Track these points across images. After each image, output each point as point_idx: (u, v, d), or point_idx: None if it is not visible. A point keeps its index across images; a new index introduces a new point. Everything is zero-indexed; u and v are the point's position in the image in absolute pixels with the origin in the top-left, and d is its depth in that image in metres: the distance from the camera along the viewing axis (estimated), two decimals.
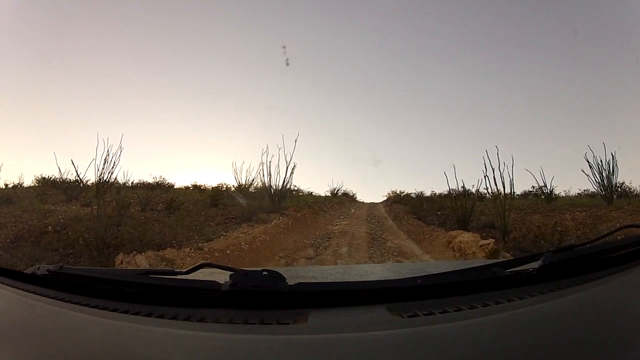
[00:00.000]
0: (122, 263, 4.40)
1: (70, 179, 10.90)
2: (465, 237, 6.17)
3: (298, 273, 1.35)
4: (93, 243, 5.14)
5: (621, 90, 18.44)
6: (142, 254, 4.71)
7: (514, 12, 21.27)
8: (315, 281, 1.18)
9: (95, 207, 8.51)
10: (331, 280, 1.27)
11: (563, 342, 0.59)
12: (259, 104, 26.72)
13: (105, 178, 10.25)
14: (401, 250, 6.85)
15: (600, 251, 0.91)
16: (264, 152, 11.42)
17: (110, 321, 0.74)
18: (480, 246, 5.44)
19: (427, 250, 6.89)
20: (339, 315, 0.76)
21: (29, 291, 0.93)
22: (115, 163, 10.23)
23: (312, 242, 7.61)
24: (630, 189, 11.98)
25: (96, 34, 20.63)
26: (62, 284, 0.94)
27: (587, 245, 0.95)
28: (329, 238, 8.01)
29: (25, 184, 12.81)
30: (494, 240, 5.83)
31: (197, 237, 6.48)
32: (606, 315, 0.68)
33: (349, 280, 1.30)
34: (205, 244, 5.83)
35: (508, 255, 5.37)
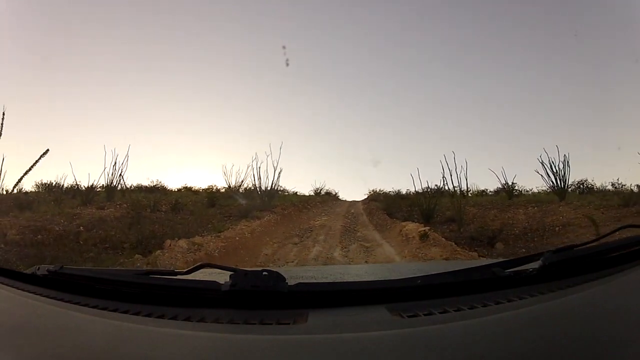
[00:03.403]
0: (170, 245, 5.94)
1: (79, 185, 12.09)
2: (410, 226, 8.23)
3: (298, 273, 1.35)
4: (132, 237, 6.44)
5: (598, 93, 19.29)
6: (180, 240, 6.28)
7: (491, 20, 21.70)
8: (315, 281, 1.19)
9: (111, 209, 9.93)
10: (331, 281, 1.28)
11: (563, 342, 0.59)
12: (246, 104, 26.58)
13: (114, 184, 11.77)
14: (366, 237, 8.50)
15: (600, 251, 0.91)
16: (253, 158, 13.07)
17: (111, 321, 0.74)
18: (419, 231, 7.22)
19: (384, 237, 8.57)
20: (339, 316, 0.76)
21: (29, 291, 0.94)
22: (123, 171, 11.77)
23: (297, 233, 9.14)
24: (592, 186, 13.14)
25: (84, 33, 20.69)
26: (62, 284, 0.95)
27: (587, 246, 0.95)
28: (311, 230, 9.53)
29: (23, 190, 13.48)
30: (428, 227, 7.61)
31: (209, 230, 7.79)
32: (606, 315, 0.68)
33: (349, 280, 1.32)
34: (220, 234, 7.32)
35: (437, 235, 7.08)
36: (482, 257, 6.09)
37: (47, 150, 6.69)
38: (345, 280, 1.30)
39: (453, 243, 6.69)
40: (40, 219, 8.06)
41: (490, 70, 22.75)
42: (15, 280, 1.02)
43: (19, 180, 9.16)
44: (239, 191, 12.95)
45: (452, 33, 23.44)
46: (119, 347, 0.65)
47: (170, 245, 5.98)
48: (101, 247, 6.59)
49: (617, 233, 1.07)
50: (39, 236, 6.77)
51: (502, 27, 21.61)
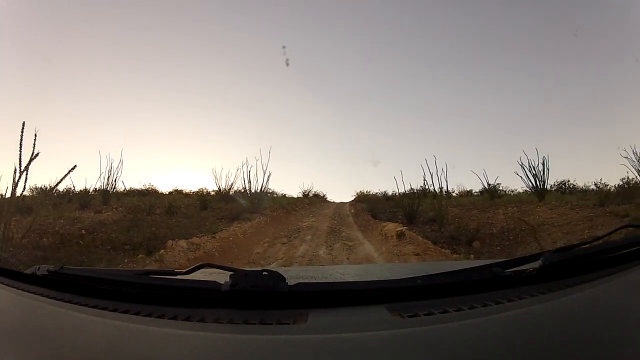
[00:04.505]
0: (171, 245, 6.42)
1: (74, 189, 12.51)
2: (389, 226, 8.79)
3: (298, 273, 1.35)
4: (135, 239, 6.88)
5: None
6: (180, 240, 6.80)
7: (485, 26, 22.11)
8: (315, 281, 1.19)
9: (109, 213, 10.36)
10: (331, 280, 1.28)
11: (563, 342, 0.59)
12: (237, 106, 27.26)
13: (109, 188, 12.27)
14: (349, 237, 9.05)
15: (600, 251, 0.91)
16: (243, 163, 13.68)
17: (111, 321, 0.74)
18: (397, 230, 7.73)
19: (366, 236, 9.17)
20: (339, 316, 0.76)
21: (29, 291, 0.93)
22: (118, 176, 12.37)
23: (286, 234, 9.69)
24: (574, 186, 13.60)
25: (81, 34, 20.76)
26: (62, 284, 0.94)
27: (587, 245, 0.95)
28: (299, 231, 10.03)
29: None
30: (406, 227, 8.18)
31: (204, 231, 8.23)
32: (606, 315, 0.68)
33: (349, 280, 1.32)
34: (215, 235, 7.85)
35: (413, 234, 7.59)
36: (456, 254, 6.47)
37: (75, 166, 7.12)
38: (345, 280, 1.31)
39: (428, 241, 7.10)
40: (43, 222, 8.27)
41: (490, 71, 23.15)
42: (15, 280, 1.02)
43: (51, 190, 9.47)
44: (229, 194, 13.43)
45: (444, 34, 23.82)
46: (118, 347, 0.66)
47: (172, 245, 6.51)
48: (104, 249, 6.85)
49: (617, 233, 1.06)
50: (44, 239, 6.98)
51: (498, 29, 21.98)
